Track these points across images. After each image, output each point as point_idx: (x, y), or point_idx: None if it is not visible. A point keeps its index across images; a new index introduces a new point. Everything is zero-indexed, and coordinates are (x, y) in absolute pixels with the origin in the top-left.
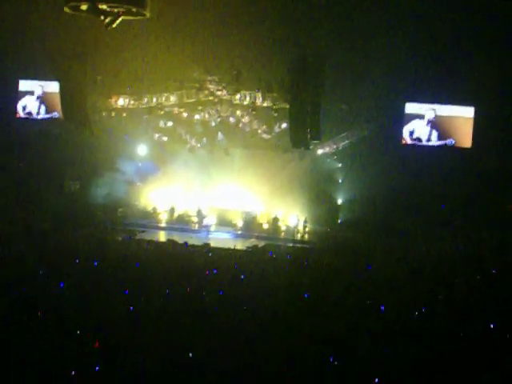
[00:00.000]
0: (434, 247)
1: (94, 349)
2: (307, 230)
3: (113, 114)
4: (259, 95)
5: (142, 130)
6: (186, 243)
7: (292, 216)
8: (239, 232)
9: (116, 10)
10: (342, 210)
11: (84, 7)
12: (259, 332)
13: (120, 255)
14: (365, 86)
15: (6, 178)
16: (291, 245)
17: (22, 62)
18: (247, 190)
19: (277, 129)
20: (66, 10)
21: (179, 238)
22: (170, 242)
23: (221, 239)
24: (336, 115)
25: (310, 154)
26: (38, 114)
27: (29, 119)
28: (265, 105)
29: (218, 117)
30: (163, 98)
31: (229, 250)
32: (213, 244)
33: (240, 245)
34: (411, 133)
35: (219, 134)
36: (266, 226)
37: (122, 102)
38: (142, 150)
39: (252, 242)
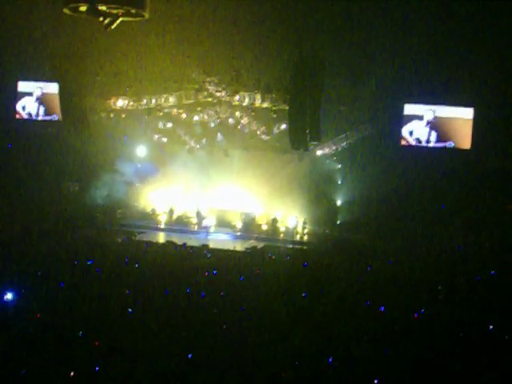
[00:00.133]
0: (434, 248)
1: (93, 350)
2: (306, 231)
3: (112, 115)
4: (258, 96)
5: (141, 131)
6: (184, 244)
7: (291, 217)
8: (238, 233)
9: (115, 12)
10: (341, 210)
11: (83, 8)
12: (258, 333)
13: (119, 256)
14: (364, 87)
15: (4, 179)
16: (290, 246)
17: (21, 63)
18: (246, 191)
19: (276, 130)
20: (66, 11)
21: (178, 239)
22: (169, 243)
23: (220, 240)
24: (335, 116)
25: (310, 155)
26: (37, 115)
27: (28, 120)
28: (264, 106)
29: (217, 118)
30: (162, 99)
31: (228, 251)
32: (212, 245)
33: (239, 246)
34: (410, 134)
35: (218, 135)
36: (265, 227)
37: (120, 103)
38: (141, 151)
39: (251, 243)
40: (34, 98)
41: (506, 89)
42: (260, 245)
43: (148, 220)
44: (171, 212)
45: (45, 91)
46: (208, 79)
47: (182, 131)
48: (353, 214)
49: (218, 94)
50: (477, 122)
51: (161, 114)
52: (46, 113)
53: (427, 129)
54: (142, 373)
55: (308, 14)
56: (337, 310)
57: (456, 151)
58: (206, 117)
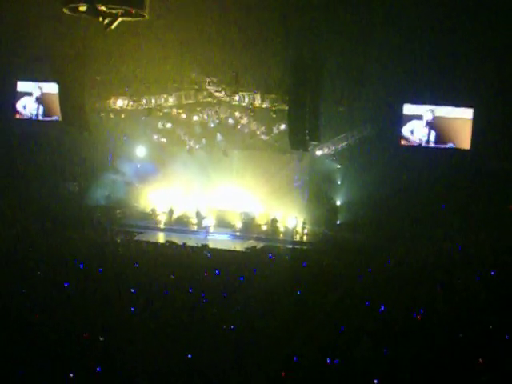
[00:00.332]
0: (434, 248)
1: (93, 350)
2: (306, 231)
3: (111, 115)
4: (258, 96)
5: (141, 131)
6: (183, 244)
7: (291, 217)
8: (238, 233)
9: (115, 12)
10: (340, 211)
11: (83, 8)
12: (258, 333)
13: (119, 256)
14: (363, 88)
15: (4, 178)
16: (290, 246)
17: (20, 63)
18: (246, 191)
19: (275, 130)
20: (65, 11)
21: (178, 239)
22: (169, 243)
23: (220, 240)
24: (335, 116)
25: (309, 155)
26: (36, 115)
27: (28, 120)
28: (263, 106)
29: (217, 118)
30: (162, 100)
31: (228, 251)
32: (211, 245)
33: (239, 246)
34: (411, 133)
35: (218, 135)
36: (264, 228)
37: (120, 103)
38: (140, 151)
39: (251, 243)
40: (33, 97)
41: (506, 89)
42: (260, 245)
43: (148, 220)
44: (171, 212)
45: (44, 91)
46: (208, 79)
47: (182, 131)
48: (352, 214)
49: (217, 94)
50: (476, 122)
51: (160, 114)
52: (46, 113)
53: (426, 129)
54: (142, 373)
55: (307, 14)
56: (337, 310)
57: (456, 151)
58: (205, 117)
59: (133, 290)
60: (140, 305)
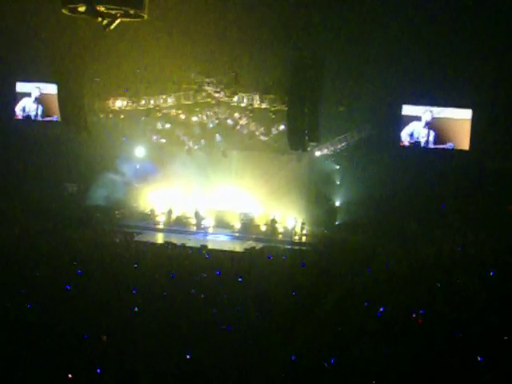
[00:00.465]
0: (433, 248)
1: (92, 350)
2: (305, 231)
3: (110, 115)
4: (257, 97)
5: (140, 131)
6: (182, 244)
7: (290, 218)
8: (237, 234)
9: (114, 12)
10: (339, 211)
11: (82, 9)
12: (258, 333)
13: (118, 257)
14: (362, 88)
15: (3, 179)
16: (289, 246)
17: (19, 63)
18: (245, 191)
19: (274, 131)
20: (64, 11)
21: (177, 239)
22: (168, 243)
23: (218, 241)
24: (334, 117)
25: (308, 156)
26: (36, 115)
27: (27, 121)
28: (262, 107)
29: (216, 119)
30: (161, 100)
31: (227, 251)
32: (210, 246)
33: (238, 246)
34: (411, 136)
35: (217, 135)
36: (263, 228)
37: (119, 103)
38: (139, 151)
39: (250, 243)
40: (32, 98)
41: (504, 90)
42: (259, 245)
43: (147, 221)
44: (170, 213)
45: (43, 92)
46: (207, 80)
47: (181, 132)
48: (351, 214)
49: (216, 95)
50: (475, 123)
51: (159, 114)
52: (45, 114)
53: (426, 130)
54: (141, 373)
55: (307, 15)
56: (336, 311)
57: (455, 152)
58: (204, 118)
59: (132, 291)
60: (139, 305)
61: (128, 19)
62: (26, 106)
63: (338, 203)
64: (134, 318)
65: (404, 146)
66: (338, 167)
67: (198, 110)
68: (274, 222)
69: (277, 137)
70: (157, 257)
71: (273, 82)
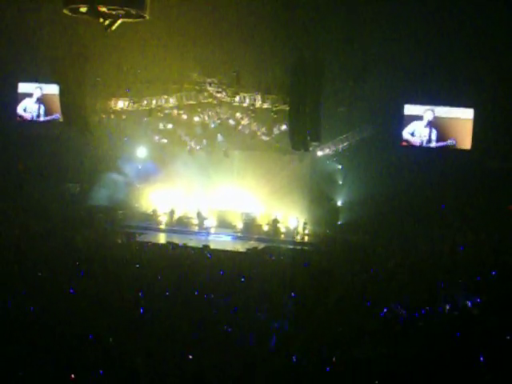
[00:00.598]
0: (435, 248)
1: (94, 351)
2: (307, 231)
3: (112, 116)
4: (259, 97)
5: (142, 132)
6: (184, 244)
7: (292, 218)
8: (239, 234)
9: (115, 13)
10: (341, 211)
11: (83, 9)
12: (259, 334)
13: (120, 257)
14: (364, 88)
15: (5, 180)
16: (291, 246)
17: (21, 64)
18: (247, 191)
19: (276, 131)
20: (66, 12)
21: (179, 239)
22: (170, 244)
23: (221, 241)
24: (335, 117)
25: (310, 156)
26: (38, 116)
27: (28, 121)
28: (264, 107)
29: (218, 119)
30: (163, 100)
31: (229, 251)
32: (212, 246)
33: (240, 247)
34: (412, 135)
35: (219, 135)
36: (265, 228)
37: (121, 104)
38: (141, 152)
39: (252, 243)
40: (34, 98)
41: (506, 89)
42: (261, 245)
43: (149, 221)
44: (172, 213)
45: (45, 92)
46: (208, 80)
47: (183, 132)
48: (353, 214)
49: (218, 95)
50: (477, 122)
51: (161, 115)
52: (47, 113)
53: (427, 129)
54: (143, 373)
55: (308, 15)
56: (337, 311)
57: (456, 151)
58: (206, 118)
59: (134, 291)
60: (141, 305)
61: (130, 20)
62: (28, 107)
63: (339, 203)
64: (135, 318)
65: (406, 146)
66: (339, 167)
67: (199, 110)
68: (276, 221)
69: (279, 137)
70: (159, 257)
71: (274, 82)
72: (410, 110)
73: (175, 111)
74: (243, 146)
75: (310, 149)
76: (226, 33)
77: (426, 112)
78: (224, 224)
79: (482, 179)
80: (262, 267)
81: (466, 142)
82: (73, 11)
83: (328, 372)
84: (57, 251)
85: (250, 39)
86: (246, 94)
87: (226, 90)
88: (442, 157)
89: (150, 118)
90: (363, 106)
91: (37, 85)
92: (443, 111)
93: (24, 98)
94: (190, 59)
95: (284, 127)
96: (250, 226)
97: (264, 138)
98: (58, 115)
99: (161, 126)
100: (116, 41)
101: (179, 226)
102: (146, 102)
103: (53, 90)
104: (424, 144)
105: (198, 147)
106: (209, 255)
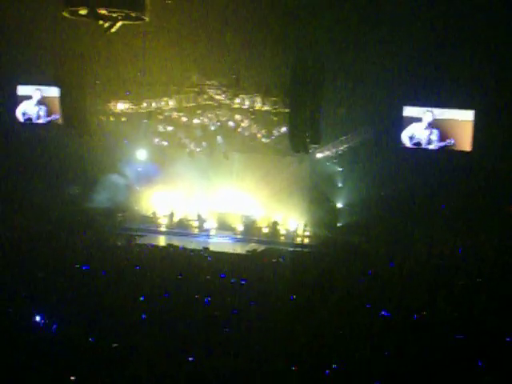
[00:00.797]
0: (435, 250)
1: (95, 354)
2: (307, 233)
3: (112, 118)
4: (258, 99)
5: (142, 134)
6: (183, 247)
7: (292, 220)
8: (239, 236)
9: (115, 15)
10: (341, 213)
11: (83, 12)
12: (259, 336)
13: (120, 260)
14: (363, 90)
15: (5, 182)
16: (291, 249)
17: (20, 67)
18: (247, 193)
19: (276, 133)
20: (65, 14)
21: (179, 242)
22: (170, 246)
23: (220, 243)
24: (335, 119)
25: (310, 158)
26: (37, 118)
27: (28, 124)
28: (264, 109)
29: (218, 121)
30: (162, 103)
31: (229, 254)
32: (212, 248)
33: (240, 249)
34: (410, 139)
35: (218, 138)
36: (265, 230)
37: (121, 106)
38: (141, 154)
39: (252, 245)
40: (34, 101)
41: (507, 90)
42: (261, 248)
43: (149, 223)
44: (172, 215)
45: (45, 94)
46: (208, 82)
47: (183, 134)
48: (353, 216)
49: (218, 97)
50: (477, 124)
51: (161, 117)
52: (48, 113)
53: (427, 131)
54: (143, 376)
55: (308, 17)
56: (338, 313)
57: (457, 153)
58: (206, 120)
59: (134, 293)
60: (141, 308)
61: (129, 22)
62: (28, 110)
63: (339, 205)
64: (135, 320)
65: (405, 148)
66: (339, 169)
67: (199, 112)
68: (275, 224)
69: (278, 139)
70: (159, 259)
71: (274, 84)
72: (409, 111)
73: (175, 113)
74: (243, 148)
75: (310, 151)
76: (226, 35)
77: (426, 114)
78: (224, 226)
79: (482, 181)
80: (261, 269)
81: (466, 143)
82: (73, 13)
83: (328, 374)
84: (57, 253)
85: (249, 41)
86: (245, 96)
87: (225, 92)
88: (442, 158)
89: (149, 121)
90: (363, 108)
91: (36, 87)
92: (443, 113)
93: (23, 101)
94: (189, 61)
95: (284, 129)
96: (250, 228)
97: (264, 140)
98: (56, 116)
99: (160, 128)
100: (116, 43)
101: (179, 228)
102: (145, 105)
103: (53, 92)
104: (423, 146)
105: (197, 149)
106: (209, 257)
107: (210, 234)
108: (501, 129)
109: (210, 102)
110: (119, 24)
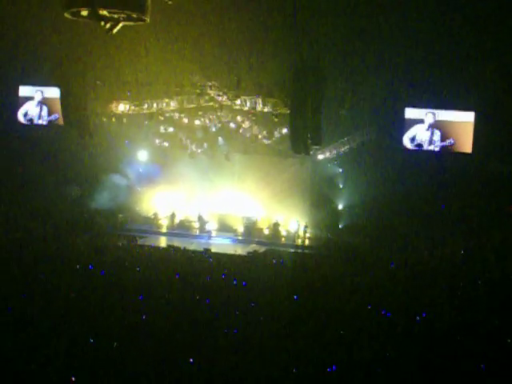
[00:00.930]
0: (436, 251)
1: (95, 354)
2: (308, 235)
3: (113, 119)
4: (259, 100)
5: (143, 135)
6: (184, 248)
7: (292, 221)
8: (240, 237)
9: (116, 16)
10: (342, 215)
11: (84, 13)
12: (260, 337)
13: (121, 261)
14: (365, 91)
15: (7, 183)
16: (292, 250)
17: (22, 68)
18: (248, 195)
19: (277, 134)
20: (66, 15)
21: (180, 243)
22: (171, 247)
23: (221, 244)
24: (336, 120)
25: (311, 159)
26: (39, 118)
27: (29, 125)
28: (265, 110)
29: (219, 122)
30: (164, 104)
31: (230, 255)
32: (213, 249)
33: (241, 250)
34: (412, 140)
35: (220, 139)
36: (266, 232)
37: (122, 107)
38: (142, 155)
39: (253, 247)
40: (35, 102)
41: (507, 92)
42: (262, 249)
43: (150, 224)
44: (173, 216)
45: (46, 95)
46: (209, 83)
47: (184, 135)
48: (354, 217)
49: (219, 99)
50: (478, 126)
51: (162, 118)
52: (49, 115)
53: (429, 132)
54: (143, 377)
55: (309, 18)
56: (338, 314)
57: (457, 155)
58: (207, 121)
59: (135, 295)
60: (142, 309)
61: (130, 23)
62: (29, 111)
63: (340, 206)
64: (136, 322)
65: (407, 149)
66: (340, 170)
67: (200, 113)
68: (276, 225)
69: (279, 140)
70: (160, 260)
71: (275, 86)
72: (410, 113)
73: (176, 114)
74: (244, 149)
75: (311, 152)
76: (227, 36)
77: (427, 115)
78: (225, 227)
79: (483, 182)
80: (262, 271)
81: (467, 145)
82: (74, 14)
83: (330, 376)
84: (58, 254)
85: (251, 42)
86: (246, 98)
87: (226, 93)
88: (442, 160)
89: (150, 122)
90: (364, 110)
91: (38, 88)
92: (444, 114)
93: (25, 101)
94: (191, 62)
95: (285, 130)
96: (251, 229)
97: (265, 141)
98: (56, 115)
99: (162, 129)
100: (117, 44)
101: (180, 229)
102: (146, 106)
103: (54, 93)
104: (425, 147)
105: (198, 150)
106: (210, 259)
107: (211, 235)
108: (501, 130)
109: (211, 104)
110: (120, 25)
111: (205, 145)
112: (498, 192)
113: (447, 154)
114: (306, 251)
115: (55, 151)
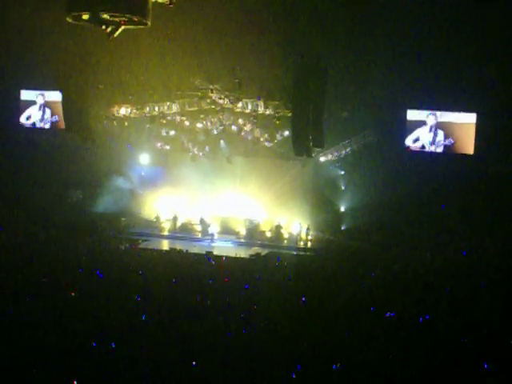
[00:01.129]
0: (438, 254)
1: (97, 357)
2: (310, 237)
3: (115, 122)
4: (261, 103)
5: (145, 138)
6: (187, 251)
7: (295, 223)
8: (242, 240)
9: (118, 20)
10: (344, 217)
11: (86, 17)
12: (263, 339)
13: (123, 264)
14: (366, 93)
15: (9, 187)
16: (294, 252)
17: (23, 72)
18: (250, 197)
19: (279, 137)
20: (68, 19)
21: (182, 246)
22: (173, 250)
23: (224, 247)
24: (338, 122)
25: (313, 162)
26: (41, 121)
27: (31, 128)
28: (267, 113)
29: (220, 125)
30: (165, 107)
31: (232, 258)
32: (216, 252)
33: (243, 253)
34: (415, 141)
35: (221, 142)
36: (268, 234)
37: (123, 111)
38: (144, 158)
39: (255, 249)
40: (37, 106)
41: (509, 93)
42: (264, 251)
43: (152, 228)
44: (175, 219)
45: (48, 99)
46: (211, 86)
47: (185, 139)
48: (356, 219)
49: (220, 102)
50: (479, 127)
51: (164, 121)
52: (52, 115)
53: (431, 134)
54: (146, 379)
55: (310, 21)
56: (341, 316)
57: (459, 156)
58: (209, 124)
59: (137, 298)
60: (144, 312)
61: (132, 26)
62: (32, 115)
63: (342, 208)
64: (138, 324)
65: (409, 151)
66: (342, 172)
67: (202, 116)
68: (279, 227)
69: (281, 143)
70: (162, 264)
71: (277, 88)
72: (412, 115)
73: (178, 118)
74: (246, 152)
75: (313, 154)
76: (229, 39)
77: (429, 117)
78: (227, 230)
79: (485, 183)
80: (265, 273)
81: (468, 146)
82: (75, 18)
83: (334, 377)
84: (60, 258)
85: (252, 45)
86: (248, 100)
87: (228, 96)
88: (444, 161)
89: (152, 125)
90: (366, 112)
91: (39, 92)
92: (446, 116)
93: (27, 106)
94: (192, 66)
95: (286, 133)
96: (253, 232)
97: (267, 144)
98: (57, 117)
99: (163, 132)
100: (118, 48)
101: (182, 232)
102: (148, 109)
103: (55, 97)
104: (427, 148)
105: (200, 153)
106: (212, 261)
107: (214, 238)
108: (503, 131)
109: (213, 107)
110: (122, 29)
111: (206, 148)
112: (500, 193)
113: (449, 155)
114: (309, 253)
115: (57, 155)
